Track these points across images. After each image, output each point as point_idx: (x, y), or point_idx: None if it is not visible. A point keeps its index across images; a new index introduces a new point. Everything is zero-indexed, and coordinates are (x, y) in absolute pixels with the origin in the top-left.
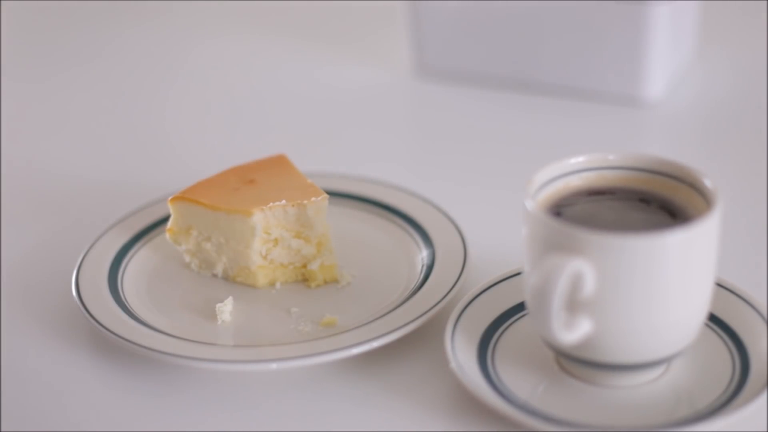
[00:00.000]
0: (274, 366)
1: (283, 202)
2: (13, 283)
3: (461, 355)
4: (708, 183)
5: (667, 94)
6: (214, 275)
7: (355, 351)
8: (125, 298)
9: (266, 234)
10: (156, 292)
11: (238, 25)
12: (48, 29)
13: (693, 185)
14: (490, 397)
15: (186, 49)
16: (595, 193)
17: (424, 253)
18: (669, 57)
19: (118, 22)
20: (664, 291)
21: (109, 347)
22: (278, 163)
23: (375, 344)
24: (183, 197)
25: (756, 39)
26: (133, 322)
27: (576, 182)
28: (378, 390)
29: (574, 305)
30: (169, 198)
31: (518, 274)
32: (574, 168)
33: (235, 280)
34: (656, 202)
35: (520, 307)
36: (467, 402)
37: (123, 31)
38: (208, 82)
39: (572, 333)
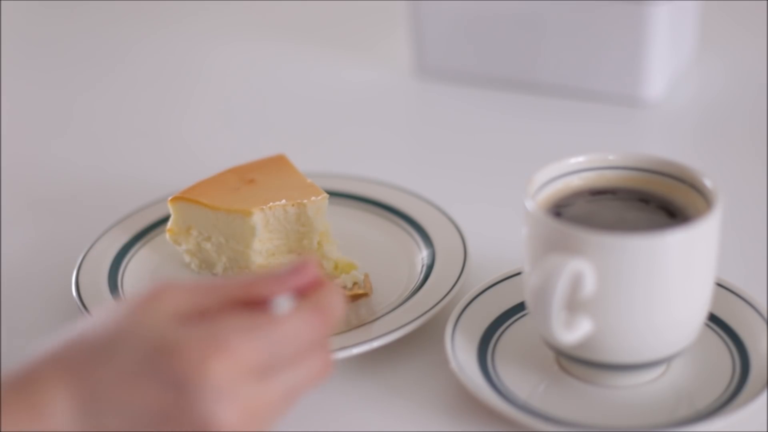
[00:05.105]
0: None
1: (283, 201)
2: (13, 283)
3: (461, 355)
4: (708, 183)
5: (666, 94)
6: (214, 275)
7: (355, 351)
8: (125, 298)
9: (266, 234)
10: None
11: (238, 26)
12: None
13: (693, 185)
14: (490, 397)
15: (186, 50)
16: (595, 193)
17: (424, 253)
18: (669, 57)
19: (117, 24)
20: (664, 291)
21: None
22: (278, 163)
23: (375, 344)
24: (183, 197)
25: (755, 39)
26: None
27: (576, 182)
28: (378, 390)
29: (575, 305)
30: (169, 198)
31: (518, 274)
32: (574, 168)
33: None
34: (656, 201)
35: (520, 307)
36: (467, 402)
37: (122, 33)
38: (208, 82)
39: (572, 333)
